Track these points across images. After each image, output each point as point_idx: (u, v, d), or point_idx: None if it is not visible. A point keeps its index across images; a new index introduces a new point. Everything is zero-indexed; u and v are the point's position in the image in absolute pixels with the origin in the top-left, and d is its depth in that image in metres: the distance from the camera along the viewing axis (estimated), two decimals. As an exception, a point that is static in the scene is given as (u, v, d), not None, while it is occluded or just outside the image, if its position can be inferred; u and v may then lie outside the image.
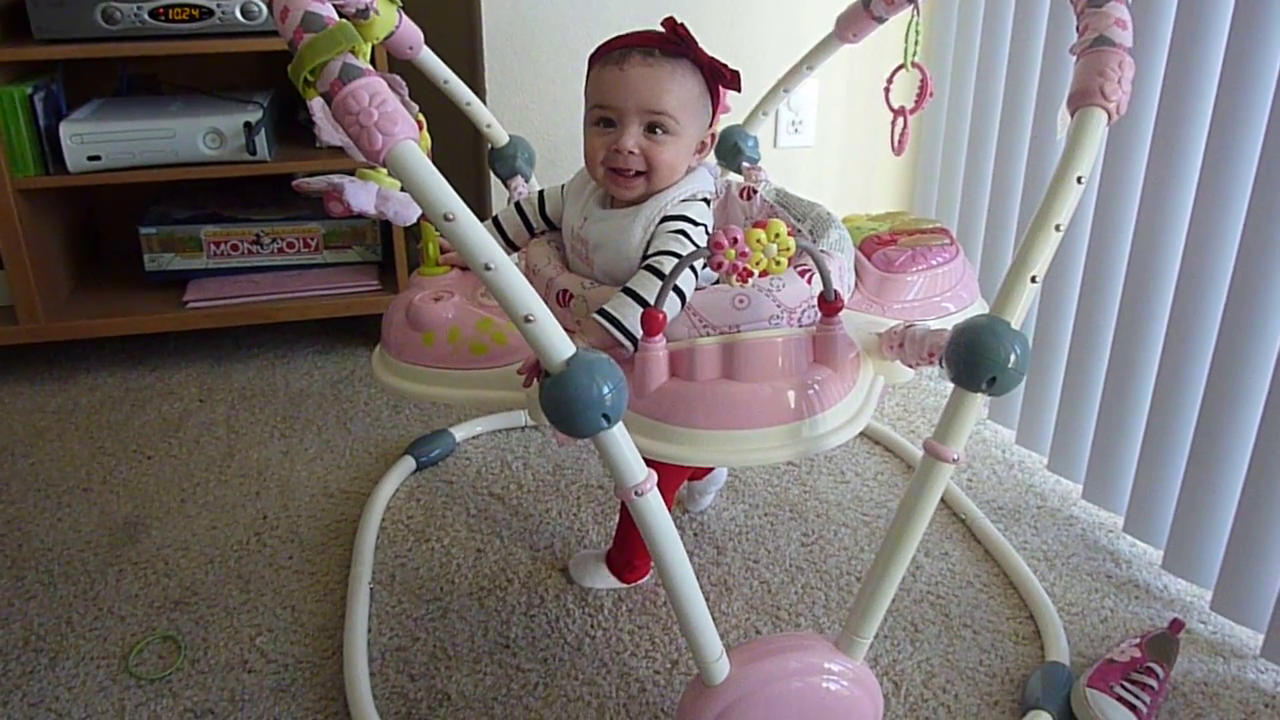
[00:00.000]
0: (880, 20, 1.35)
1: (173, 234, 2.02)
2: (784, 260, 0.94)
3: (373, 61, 1.44)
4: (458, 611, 1.35)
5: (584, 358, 0.86)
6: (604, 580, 1.38)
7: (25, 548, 1.47)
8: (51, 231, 1.99)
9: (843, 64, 1.92)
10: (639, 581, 1.39)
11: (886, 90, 1.29)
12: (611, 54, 1.11)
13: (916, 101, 1.27)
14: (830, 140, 2.16)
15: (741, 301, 1.02)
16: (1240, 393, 1.30)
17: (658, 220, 1.10)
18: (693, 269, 1.01)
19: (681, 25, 1.11)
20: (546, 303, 0.87)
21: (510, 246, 1.27)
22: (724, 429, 1.00)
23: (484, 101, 1.54)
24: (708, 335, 1.02)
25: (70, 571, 1.42)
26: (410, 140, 0.80)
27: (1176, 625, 1.28)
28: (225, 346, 2.12)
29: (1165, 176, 1.40)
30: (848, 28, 1.38)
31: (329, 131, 1.12)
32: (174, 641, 1.29)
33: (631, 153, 1.09)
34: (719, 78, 1.13)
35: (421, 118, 1.16)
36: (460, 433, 1.75)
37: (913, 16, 1.25)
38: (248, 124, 1.86)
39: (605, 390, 0.85)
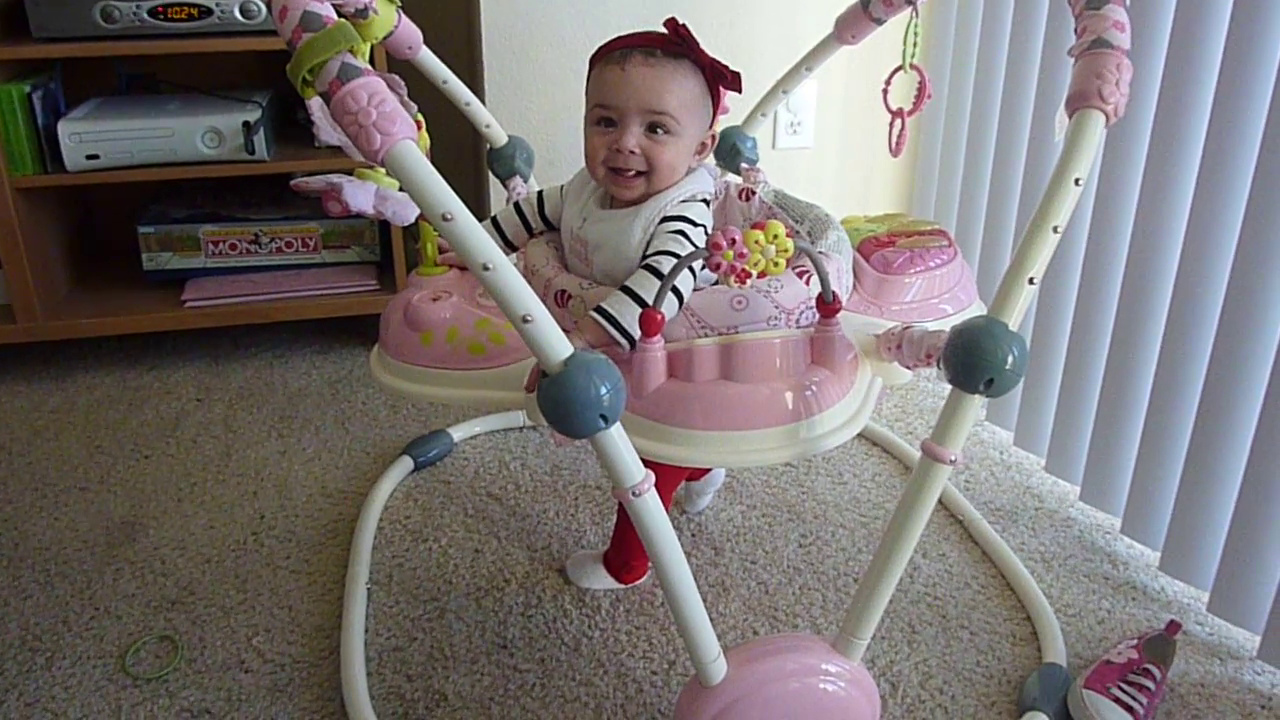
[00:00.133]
0: (879, 22, 1.35)
1: (171, 233, 2.02)
2: (782, 261, 0.94)
3: (372, 61, 1.44)
4: (455, 612, 1.35)
5: (582, 358, 0.86)
6: (601, 581, 1.38)
7: (22, 547, 1.47)
8: (49, 230, 1.99)
9: (841, 65, 1.92)
10: (636, 582, 1.39)
11: (885, 92, 1.29)
12: (613, 54, 1.11)
13: (915, 103, 1.27)
14: (829, 142, 2.16)
15: (740, 303, 1.02)
16: (1237, 395, 1.30)
17: (657, 220, 1.10)
18: (691, 270, 1.01)
19: (683, 26, 1.11)
20: (545, 303, 0.87)
21: (509, 247, 1.27)
22: (722, 430, 1.00)
23: (483, 102, 1.54)
24: (706, 336, 1.02)
25: (67, 571, 1.42)
26: (409, 140, 0.80)
27: (1173, 627, 1.29)
28: (223, 346, 2.12)
29: (1163, 179, 1.40)
30: (846, 29, 1.38)
31: (327, 131, 1.12)
32: (171, 641, 1.29)
33: (632, 152, 1.09)
34: (720, 79, 1.13)
35: (420, 118, 1.16)
36: (458, 433, 1.75)
37: (911, 18, 1.25)
38: (246, 123, 1.86)
39: (603, 390, 0.85)
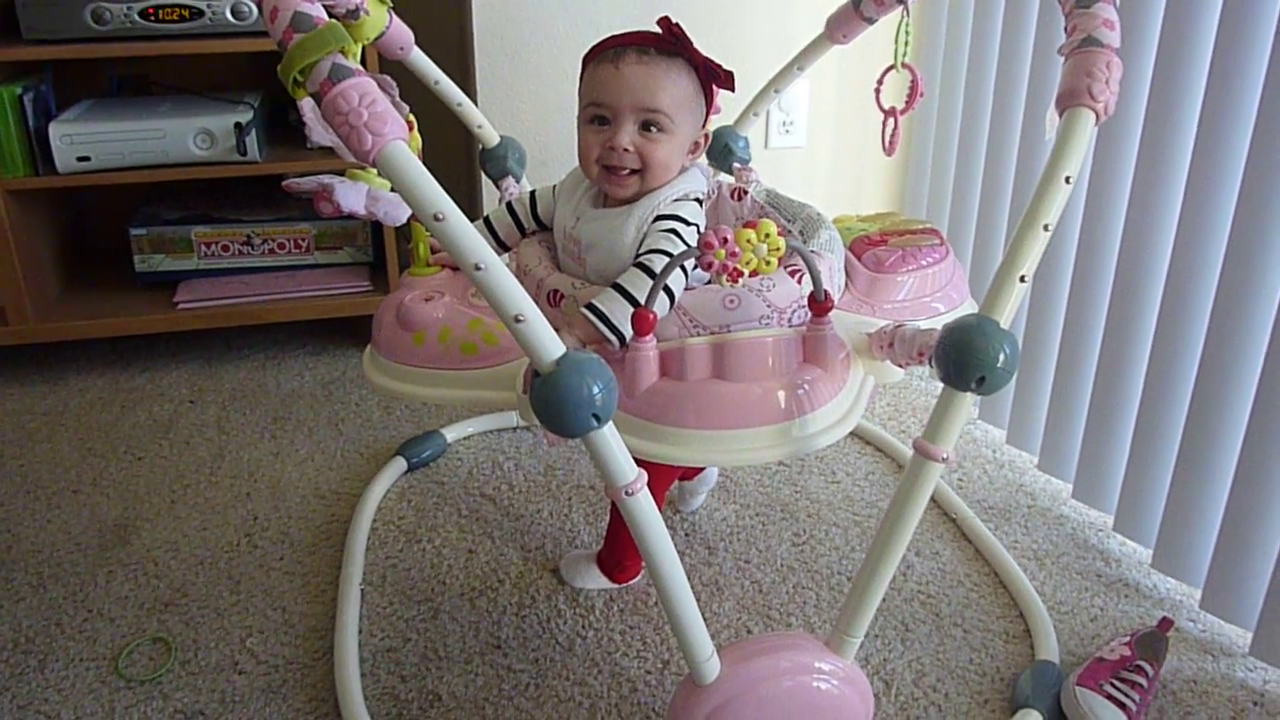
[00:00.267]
0: (870, 21, 1.35)
1: (163, 235, 2.01)
2: (774, 260, 0.94)
3: (363, 62, 1.44)
4: (449, 612, 1.35)
5: (574, 358, 0.86)
6: (595, 581, 1.38)
7: (14, 549, 1.47)
8: (41, 232, 1.99)
9: (833, 65, 1.92)
10: (630, 582, 1.39)
11: (877, 91, 1.29)
12: (606, 52, 1.11)
13: (907, 102, 1.28)
14: (821, 141, 2.17)
15: (732, 301, 1.02)
16: (1229, 392, 1.30)
17: (650, 219, 1.10)
18: (683, 269, 1.01)
19: (676, 25, 1.11)
20: (537, 303, 0.87)
21: (501, 247, 1.27)
22: (714, 429, 1.00)
23: (475, 102, 1.54)
24: (698, 335, 1.02)
25: (60, 573, 1.42)
26: (400, 140, 0.80)
27: (1166, 624, 1.29)
28: (216, 347, 2.11)
29: (1154, 176, 1.40)
30: (838, 29, 1.38)
31: (319, 132, 1.12)
32: (164, 643, 1.29)
33: (626, 150, 1.09)
34: (713, 77, 1.13)
35: (412, 118, 1.16)
36: (451, 433, 1.75)
37: (903, 17, 1.25)
38: (238, 124, 1.85)
39: (595, 390, 0.85)
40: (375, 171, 1.01)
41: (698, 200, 1.15)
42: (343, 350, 2.11)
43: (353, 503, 1.57)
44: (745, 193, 1.30)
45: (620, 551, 1.36)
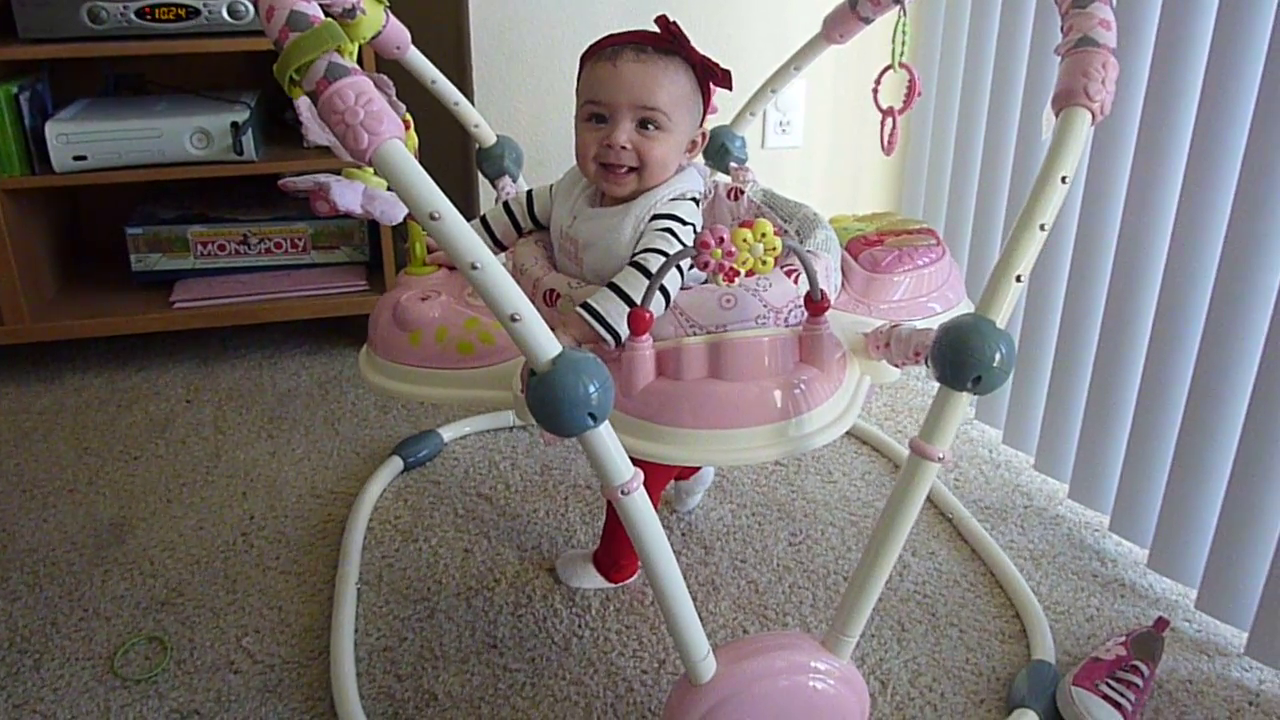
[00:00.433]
0: (867, 21, 1.35)
1: (159, 234, 2.01)
2: (770, 260, 0.94)
3: (360, 61, 1.44)
4: (445, 612, 1.35)
5: (570, 357, 0.86)
6: (591, 580, 1.38)
7: (10, 549, 1.47)
8: (37, 232, 1.98)
9: (830, 65, 1.92)
10: (626, 581, 1.39)
11: (874, 91, 1.29)
12: (604, 51, 1.11)
13: (905, 101, 1.27)
14: (818, 141, 2.17)
15: (728, 301, 1.02)
16: (1225, 392, 1.31)
17: (647, 218, 1.10)
18: (679, 268, 1.01)
19: (674, 23, 1.11)
20: (533, 302, 0.87)
21: (498, 246, 1.27)
22: (710, 428, 1.00)
23: (471, 101, 1.54)
24: (694, 335, 1.02)
25: (55, 572, 1.42)
26: (396, 139, 0.80)
27: (1161, 623, 1.29)
28: (212, 347, 2.11)
29: (1150, 176, 1.41)
30: (835, 28, 1.38)
31: (316, 131, 1.12)
32: (160, 642, 1.29)
33: (623, 148, 1.09)
34: (711, 76, 1.13)
35: (408, 117, 1.16)
36: (448, 433, 1.75)
37: (900, 17, 1.25)
38: (235, 124, 1.85)
39: (591, 389, 0.85)
40: (372, 170, 1.01)
41: (694, 200, 1.15)
42: (339, 350, 2.11)
43: (349, 502, 1.57)
44: (742, 192, 1.30)
45: (616, 551, 1.36)
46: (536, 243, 1.23)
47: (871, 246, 1.23)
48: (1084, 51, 0.94)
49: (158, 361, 2.05)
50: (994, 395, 1.73)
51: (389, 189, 1.10)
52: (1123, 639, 1.25)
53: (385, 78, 1.07)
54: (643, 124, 1.10)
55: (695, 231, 1.10)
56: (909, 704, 1.21)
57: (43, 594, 1.38)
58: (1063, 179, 0.92)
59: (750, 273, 0.94)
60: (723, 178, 1.43)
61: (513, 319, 0.84)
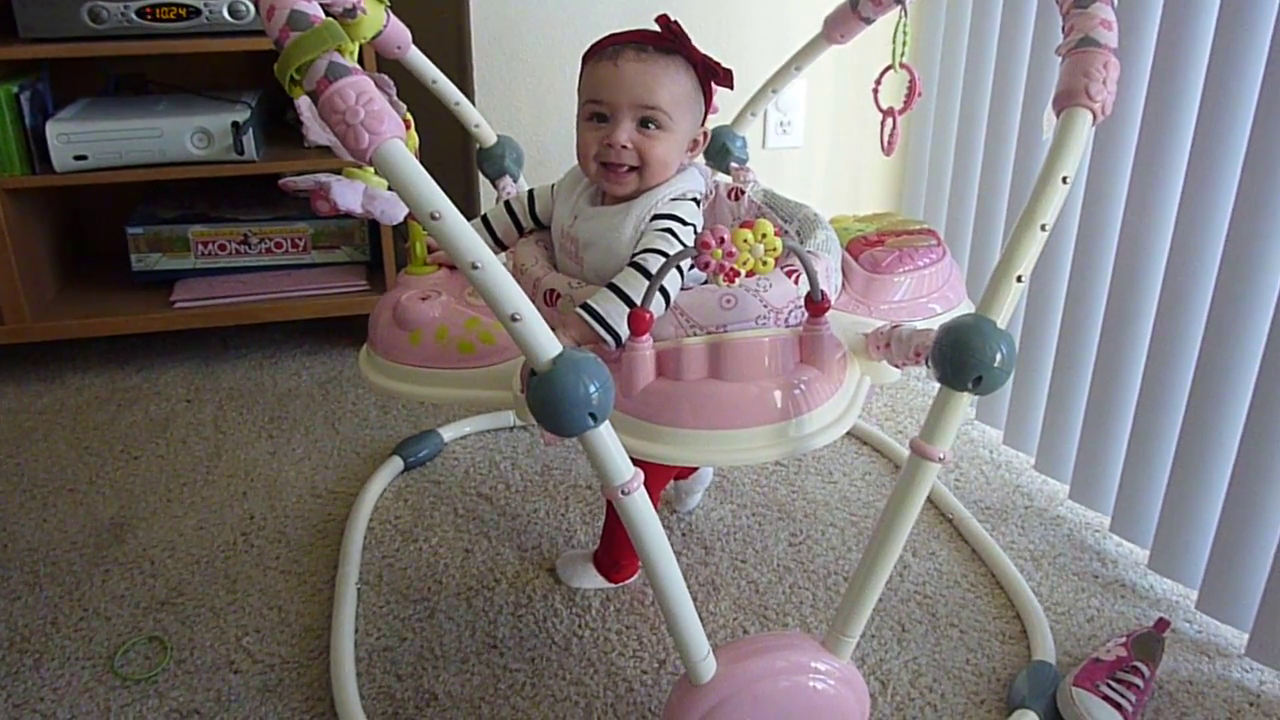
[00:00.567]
0: (868, 21, 1.35)
1: (160, 234, 2.01)
2: (771, 260, 0.94)
3: (360, 61, 1.44)
4: (445, 611, 1.34)
5: (570, 356, 0.86)
6: (591, 580, 1.38)
7: (10, 548, 1.47)
8: (37, 231, 1.98)
9: (831, 65, 1.92)
10: (626, 581, 1.39)
11: (875, 91, 1.29)
12: (605, 50, 1.11)
13: (905, 102, 1.27)
14: (818, 141, 2.17)
15: (728, 301, 1.02)
16: (1226, 393, 1.30)
17: (648, 218, 1.10)
18: (679, 268, 1.01)
19: (675, 22, 1.11)
20: (534, 302, 0.87)
21: (499, 246, 1.27)
22: (711, 429, 1.00)
23: (472, 101, 1.54)
24: (695, 335, 1.02)
25: (56, 572, 1.42)
26: (397, 139, 0.80)
27: (1162, 624, 1.29)
28: (213, 347, 2.11)
29: (1151, 176, 1.40)
30: (835, 29, 1.38)
31: (316, 131, 1.11)
32: (160, 642, 1.29)
33: (624, 147, 1.09)
34: (712, 75, 1.13)
35: (409, 117, 1.16)
36: (448, 433, 1.75)
37: (901, 17, 1.25)
38: (235, 124, 1.85)
39: (592, 389, 0.85)
40: (372, 170, 1.01)
41: (695, 200, 1.15)
42: (339, 349, 2.11)
43: (349, 502, 1.57)
44: (742, 192, 1.30)
45: (617, 551, 1.36)
46: (537, 242, 1.23)
47: (872, 247, 1.23)
48: (1085, 52, 0.94)
49: (158, 361, 2.05)
50: (994, 396, 1.73)
51: (389, 188, 1.10)
52: (1123, 640, 1.25)
53: (386, 77, 1.07)
54: (644, 123, 1.10)
55: (696, 232, 1.10)
56: (909, 704, 1.21)
57: (43, 594, 1.38)
58: (1064, 179, 0.92)
59: (751, 273, 0.94)
60: (723, 178, 1.43)
61: (513, 319, 0.84)
